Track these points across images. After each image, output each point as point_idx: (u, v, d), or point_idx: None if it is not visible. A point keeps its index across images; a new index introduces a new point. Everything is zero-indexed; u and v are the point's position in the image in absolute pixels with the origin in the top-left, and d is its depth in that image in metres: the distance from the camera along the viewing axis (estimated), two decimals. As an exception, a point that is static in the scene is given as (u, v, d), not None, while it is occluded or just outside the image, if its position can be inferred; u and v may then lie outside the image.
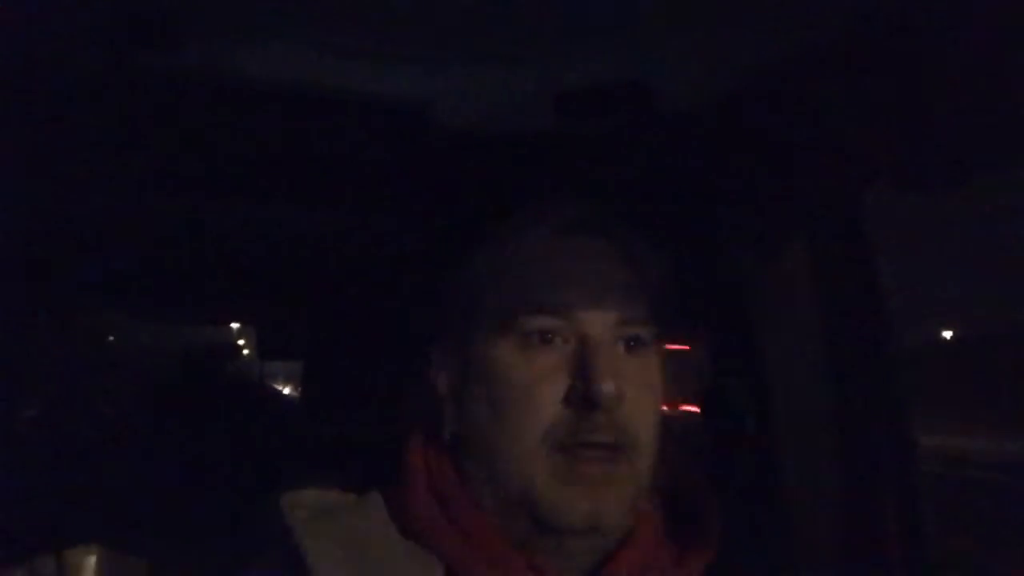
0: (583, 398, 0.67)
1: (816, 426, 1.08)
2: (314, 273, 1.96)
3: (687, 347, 1.14)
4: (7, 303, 2.11)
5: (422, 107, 1.07)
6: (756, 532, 1.08)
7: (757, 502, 1.11)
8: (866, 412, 1.06)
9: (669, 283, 0.76)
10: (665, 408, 0.75)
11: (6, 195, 1.20)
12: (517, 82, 1.01)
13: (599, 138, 1.12)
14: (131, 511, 1.78)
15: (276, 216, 1.46)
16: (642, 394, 0.70)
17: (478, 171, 1.19)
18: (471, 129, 1.12)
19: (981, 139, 0.84)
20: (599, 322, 0.70)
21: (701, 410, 1.23)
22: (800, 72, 0.94)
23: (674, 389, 0.79)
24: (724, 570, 0.75)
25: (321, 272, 1.92)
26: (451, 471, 0.73)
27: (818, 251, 1.08)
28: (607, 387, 0.67)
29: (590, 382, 0.67)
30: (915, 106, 0.87)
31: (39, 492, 1.82)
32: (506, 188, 1.16)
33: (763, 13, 0.86)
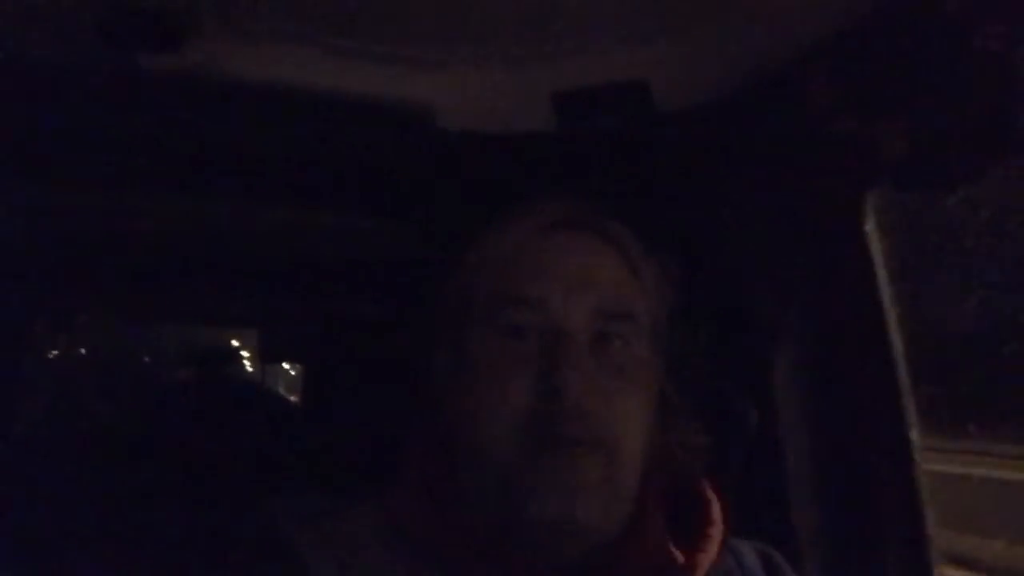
0: (547, 389, 0.66)
1: (817, 427, 1.08)
2: (315, 274, 1.95)
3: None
4: (6, 304, 2.11)
5: (422, 108, 1.07)
6: (756, 534, 1.07)
7: (758, 504, 1.10)
8: (867, 412, 1.05)
9: (662, 281, 0.75)
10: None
11: (5, 195, 1.20)
12: (516, 82, 1.01)
13: (598, 138, 1.12)
14: (127, 514, 1.77)
15: (276, 217, 1.46)
16: (620, 390, 0.69)
17: (478, 172, 1.19)
18: (471, 130, 1.12)
19: (982, 139, 0.84)
20: (572, 315, 0.69)
21: (701, 410, 1.22)
22: (800, 72, 0.94)
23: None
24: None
25: (322, 273, 1.92)
26: (445, 471, 0.73)
27: (818, 251, 1.08)
28: (570, 377, 0.65)
29: (553, 373, 0.66)
30: (915, 106, 0.87)
31: (36, 496, 1.81)
32: (506, 188, 1.15)
33: (762, 12, 0.86)
